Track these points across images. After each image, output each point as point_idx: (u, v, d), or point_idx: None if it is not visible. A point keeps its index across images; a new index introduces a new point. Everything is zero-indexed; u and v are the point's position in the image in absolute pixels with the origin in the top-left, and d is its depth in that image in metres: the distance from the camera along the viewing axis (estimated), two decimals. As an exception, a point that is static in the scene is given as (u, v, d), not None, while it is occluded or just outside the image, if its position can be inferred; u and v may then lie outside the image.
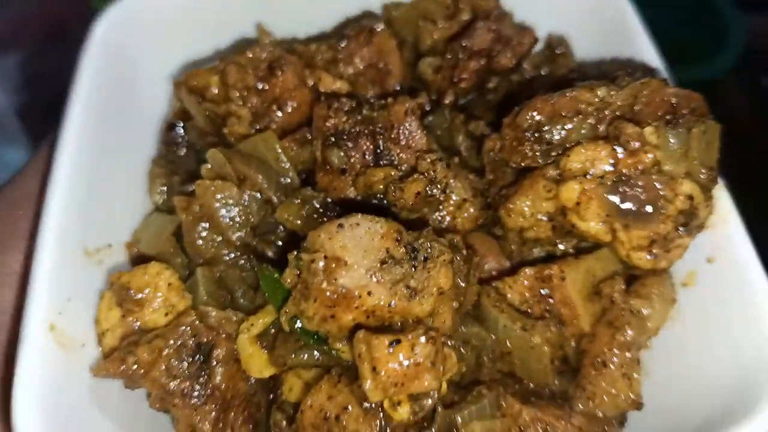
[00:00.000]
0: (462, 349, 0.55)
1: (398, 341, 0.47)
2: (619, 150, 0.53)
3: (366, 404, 0.50)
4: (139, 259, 0.60)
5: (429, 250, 0.51)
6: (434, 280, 0.50)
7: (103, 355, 0.54)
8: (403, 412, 0.49)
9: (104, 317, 0.55)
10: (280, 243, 0.59)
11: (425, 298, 0.50)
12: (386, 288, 0.49)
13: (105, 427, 0.52)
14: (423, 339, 0.47)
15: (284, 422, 0.58)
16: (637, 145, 0.53)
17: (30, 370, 0.49)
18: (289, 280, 0.51)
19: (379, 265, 0.49)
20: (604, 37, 0.69)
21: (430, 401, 0.49)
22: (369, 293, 0.48)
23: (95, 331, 0.55)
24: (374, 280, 0.49)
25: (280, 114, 0.62)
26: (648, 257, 0.55)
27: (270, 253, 0.59)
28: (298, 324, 0.51)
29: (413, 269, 0.50)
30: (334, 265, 0.48)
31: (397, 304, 0.49)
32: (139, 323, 0.54)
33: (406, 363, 0.47)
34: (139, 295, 0.55)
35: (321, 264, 0.49)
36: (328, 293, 0.48)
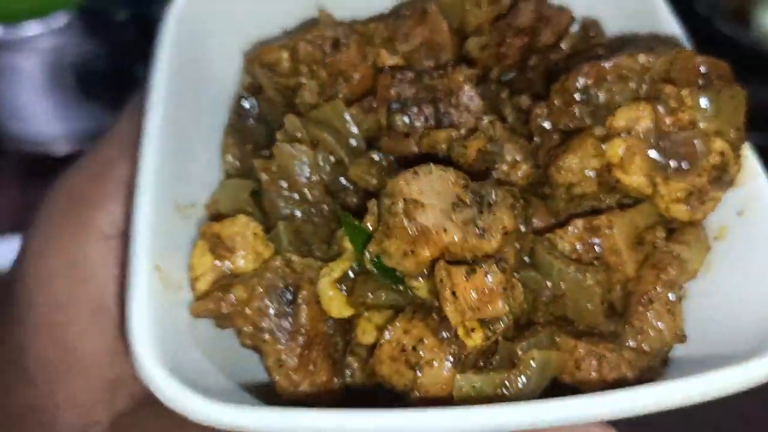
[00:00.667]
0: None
1: (473, 270, 0.54)
2: (660, 108, 0.60)
3: (440, 335, 0.56)
4: (219, 218, 0.66)
5: (493, 196, 0.57)
6: (499, 221, 0.56)
7: (197, 297, 0.60)
8: (477, 338, 0.55)
9: (198, 263, 0.60)
10: (353, 199, 0.65)
11: (493, 235, 0.56)
12: (459, 227, 0.55)
13: (204, 362, 0.57)
14: (495, 268, 0.54)
15: (356, 364, 0.64)
16: (674, 104, 0.60)
17: (143, 302, 0.54)
18: (370, 224, 0.57)
19: (451, 207, 0.56)
20: (631, 16, 0.75)
21: (501, 325, 0.55)
22: (444, 230, 0.55)
23: (188, 276, 0.61)
24: (448, 219, 0.55)
25: (345, 85, 0.69)
26: (686, 208, 0.62)
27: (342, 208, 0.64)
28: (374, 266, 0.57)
29: (480, 212, 0.56)
30: (412, 207, 0.55)
31: (468, 241, 0.55)
32: (230, 267, 0.60)
33: (481, 289, 0.53)
34: (229, 243, 0.61)
35: (400, 206, 0.55)
36: (408, 231, 0.54)
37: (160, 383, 0.51)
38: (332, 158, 0.65)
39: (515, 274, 0.57)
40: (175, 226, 0.62)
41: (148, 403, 0.59)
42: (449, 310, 0.53)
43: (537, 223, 0.66)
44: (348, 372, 0.64)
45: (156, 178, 0.60)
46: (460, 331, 0.55)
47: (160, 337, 0.53)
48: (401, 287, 0.58)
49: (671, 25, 0.72)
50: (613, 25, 0.76)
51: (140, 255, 0.56)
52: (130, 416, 0.61)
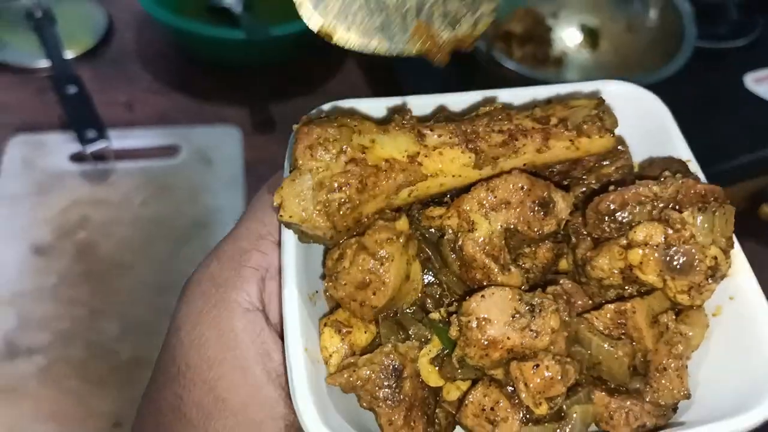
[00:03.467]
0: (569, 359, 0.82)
1: (537, 365, 0.75)
2: (668, 229, 0.80)
3: (513, 400, 0.78)
4: (335, 307, 0.87)
5: (541, 305, 0.78)
6: (548, 323, 0.77)
7: (330, 371, 0.81)
8: (543, 409, 0.75)
9: (329, 344, 0.81)
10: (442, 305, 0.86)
11: (543, 336, 0.76)
12: (518, 333, 0.75)
13: (338, 416, 0.78)
14: (553, 362, 0.75)
15: (441, 415, 0.85)
16: (679, 225, 0.80)
17: (300, 375, 0.75)
18: (454, 335, 0.78)
19: (511, 318, 0.76)
20: (649, 138, 0.96)
21: (560, 399, 0.76)
22: (508, 338, 0.75)
23: (322, 354, 0.82)
24: (510, 328, 0.75)
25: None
26: (688, 297, 0.82)
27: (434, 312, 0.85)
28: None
29: (533, 318, 0.77)
30: (483, 323, 0.75)
31: (526, 342, 0.75)
32: (352, 343, 0.81)
33: (544, 378, 0.74)
34: (346, 323, 0.82)
35: (474, 323, 0.75)
36: (482, 341, 0.75)
37: (314, 425, 0.73)
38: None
39: (567, 359, 0.78)
40: (309, 312, 0.83)
41: None
42: (524, 397, 0.74)
43: (578, 303, 0.88)
44: (436, 421, 0.85)
45: (295, 274, 0.82)
46: (530, 405, 0.75)
47: (315, 400, 0.74)
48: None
49: (684, 152, 0.93)
50: (636, 143, 0.97)
51: (296, 337, 0.77)
52: None
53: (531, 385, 0.74)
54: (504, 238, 0.82)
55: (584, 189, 0.95)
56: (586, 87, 0.97)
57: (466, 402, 0.80)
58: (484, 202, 0.82)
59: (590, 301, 0.88)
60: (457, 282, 0.85)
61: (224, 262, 0.90)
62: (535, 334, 0.75)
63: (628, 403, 0.82)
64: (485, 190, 0.82)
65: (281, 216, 0.78)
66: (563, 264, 0.91)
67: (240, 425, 0.80)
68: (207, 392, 0.82)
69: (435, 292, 0.86)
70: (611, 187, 0.87)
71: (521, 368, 0.74)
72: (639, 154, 0.99)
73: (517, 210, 0.81)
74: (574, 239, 0.89)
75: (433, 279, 0.87)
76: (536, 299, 0.77)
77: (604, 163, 0.97)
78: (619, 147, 0.97)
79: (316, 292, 0.86)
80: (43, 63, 1.78)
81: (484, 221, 0.82)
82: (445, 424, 0.86)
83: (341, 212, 0.80)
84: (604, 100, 0.88)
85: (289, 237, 0.83)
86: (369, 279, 0.79)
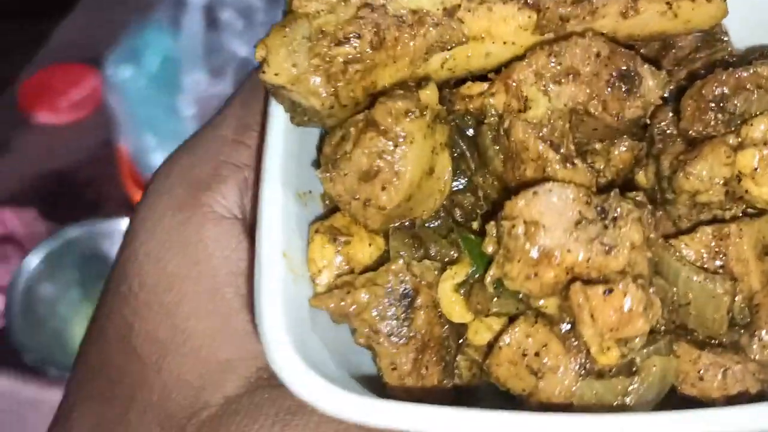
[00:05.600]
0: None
1: (611, 290, 0.53)
2: (799, 122, 0.58)
3: (568, 342, 0.56)
4: (333, 210, 0.66)
5: (618, 210, 0.56)
6: (627, 236, 0.55)
7: (318, 290, 0.60)
8: (612, 357, 0.54)
9: (318, 256, 0.61)
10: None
11: (620, 252, 0.55)
12: (583, 245, 0.54)
13: (322, 350, 0.58)
14: (633, 287, 0.53)
15: (466, 367, 0.64)
16: (815, 117, 0.58)
17: (273, 286, 0.55)
18: (490, 248, 0.56)
19: (574, 226, 0.54)
20: (755, 27, 0.73)
21: (638, 342, 0.54)
22: (568, 251, 0.54)
23: (309, 268, 0.61)
24: (571, 239, 0.54)
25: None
26: (816, 223, 0.60)
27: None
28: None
29: (605, 228, 0.55)
30: (533, 229, 0.54)
31: (594, 259, 0.54)
32: (351, 258, 0.60)
33: (621, 309, 0.52)
34: (345, 231, 0.61)
35: (521, 229, 0.54)
36: (530, 254, 0.53)
37: (288, 365, 0.52)
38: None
39: (652, 288, 0.56)
40: (297, 214, 0.62)
41: (261, 387, 0.60)
42: (589, 333, 0.52)
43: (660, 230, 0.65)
44: (456, 372, 0.64)
45: (282, 166, 0.61)
46: (593, 349, 0.54)
47: (287, 321, 0.54)
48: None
49: None
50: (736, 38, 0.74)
51: (271, 240, 0.57)
52: (242, 400, 0.61)
53: (600, 318, 0.52)
54: (569, 122, 0.60)
55: (672, 85, 0.72)
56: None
57: (500, 344, 0.58)
58: (544, 71, 0.59)
59: (674, 228, 0.66)
60: (499, 187, 0.63)
61: (199, 155, 0.70)
62: (608, 249, 0.53)
63: (727, 359, 0.59)
64: (546, 54, 0.60)
65: (263, 73, 0.57)
66: (641, 178, 0.69)
67: (202, 364, 0.61)
68: (163, 319, 0.63)
69: (467, 202, 0.65)
70: (718, 69, 0.64)
71: (587, 293, 0.52)
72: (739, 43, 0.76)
73: (590, 84, 0.59)
74: (660, 143, 0.66)
75: (465, 184, 0.65)
76: (611, 201, 0.55)
77: (699, 55, 0.73)
78: (718, 34, 0.74)
79: (310, 191, 0.65)
80: None
81: (542, 97, 0.59)
82: (468, 376, 0.65)
83: (347, 75, 0.59)
84: None
85: (276, 113, 0.62)
86: (378, 166, 0.57)
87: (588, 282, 0.53)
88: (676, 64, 0.73)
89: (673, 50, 0.73)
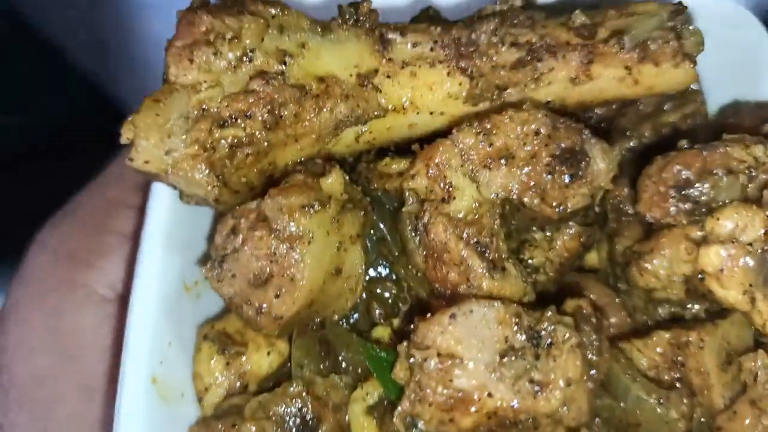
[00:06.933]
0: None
1: None
2: (772, 215, 0.49)
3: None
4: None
5: (553, 334, 0.46)
6: (561, 370, 0.46)
7: (204, 414, 0.51)
8: None
9: (205, 370, 0.52)
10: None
11: (552, 392, 0.45)
12: (508, 386, 0.45)
13: None
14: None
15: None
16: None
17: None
18: (401, 376, 0.47)
19: (498, 359, 0.45)
20: (731, 74, 0.63)
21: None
22: (489, 395, 0.45)
23: (195, 384, 0.52)
24: (494, 377, 0.45)
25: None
26: (791, 332, 0.51)
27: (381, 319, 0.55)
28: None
29: (536, 359, 0.45)
30: (449, 363, 0.45)
31: (520, 403, 0.45)
32: (246, 370, 0.51)
33: None
34: (239, 337, 0.52)
35: (433, 363, 0.45)
36: (443, 397, 0.44)
37: None
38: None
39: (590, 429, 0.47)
40: (181, 314, 0.53)
41: None
42: None
43: (612, 321, 0.56)
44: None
45: (162, 255, 0.52)
46: None
47: None
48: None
49: None
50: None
51: (135, 370, 0.48)
52: None
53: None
54: (501, 215, 0.50)
55: (634, 143, 0.63)
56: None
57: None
58: (472, 152, 0.50)
59: (629, 319, 0.57)
60: (422, 281, 0.54)
61: (80, 223, 0.61)
62: (538, 389, 0.44)
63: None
64: (475, 132, 0.50)
65: (130, 161, 0.47)
66: (592, 258, 0.60)
67: None
68: (35, 422, 0.56)
69: (389, 292, 0.56)
70: (681, 143, 0.55)
71: None
72: (715, 97, 0.66)
73: (527, 168, 0.49)
74: (614, 222, 0.57)
75: (386, 272, 0.56)
76: (545, 324, 0.45)
77: (665, 107, 0.64)
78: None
79: (205, 279, 0.55)
80: None
81: (468, 186, 0.50)
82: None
83: (236, 160, 0.49)
84: (684, 7, 0.54)
85: (160, 191, 0.53)
86: (270, 271, 0.48)
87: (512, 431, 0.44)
88: (638, 120, 0.64)
89: (636, 105, 0.64)
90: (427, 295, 0.54)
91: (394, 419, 0.46)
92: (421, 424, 0.45)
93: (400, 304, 0.55)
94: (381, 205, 0.56)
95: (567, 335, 0.45)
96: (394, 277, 0.55)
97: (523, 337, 0.45)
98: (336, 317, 0.53)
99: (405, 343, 0.47)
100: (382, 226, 0.55)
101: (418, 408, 0.45)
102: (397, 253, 0.55)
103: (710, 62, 0.58)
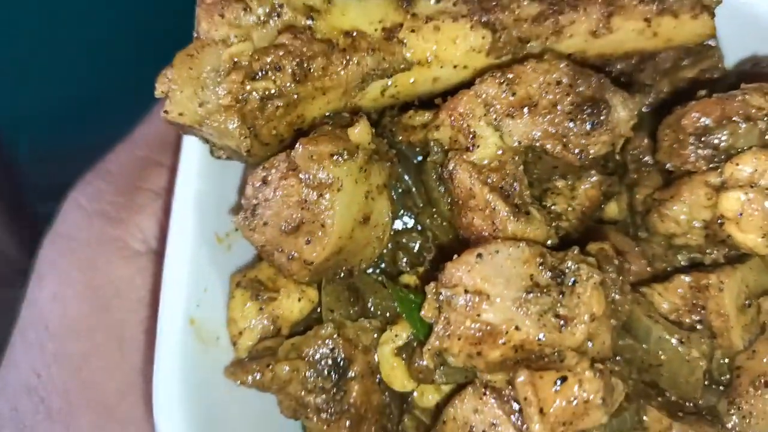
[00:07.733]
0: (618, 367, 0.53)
1: (565, 378, 0.45)
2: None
3: (516, 421, 0.49)
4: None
5: (576, 273, 0.48)
6: (585, 305, 0.47)
7: (239, 356, 0.53)
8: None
9: (240, 316, 0.54)
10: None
11: (577, 326, 0.47)
12: (534, 320, 0.46)
13: (242, 426, 0.51)
14: (590, 374, 0.45)
15: (412, 427, 0.57)
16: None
17: (172, 368, 0.49)
18: (429, 315, 0.48)
19: (524, 296, 0.46)
20: (748, 31, 0.64)
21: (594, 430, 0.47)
22: (516, 328, 0.46)
23: (229, 330, 0.54)
24: (520, 312, 0.46)
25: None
26: (811, 273, 0.52)
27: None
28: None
29: (561, 295, 0.47)
30: (476, 300, 0.46)
31: (546, 336, 0.46)
32: (278, 315, 0.53)
33: (575, 401, 0.45)
34: (271, 284, 0.54)
35: (462, 300, 0.46)
36: (472, 331, 0.46)
37: None
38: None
39: (615, 367, 0.48)
40: (214, 263, 0.55)
41: None
42: (536, 430, 0.45)
43: (632, 269, 0.58)
44: (402, 433, 0.57)
45: (196, 206, 0.54)
46: (547, 436, 0.47)
47: (188, 407, 0.48)
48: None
49: None
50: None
51: (174, 308, 0.50)
52: None
53: (551, 411, 0.45)
54: (523, 162, 0.52)
55: (652, 98, 0.64)
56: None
57: (445, 417, 0.51)
58: (495, 101, 0.51)
59: (649, 267, 0.59)
60: (447, 229, 0.56)
61: (113, 179, 0.63)
62: (563, 323, 0.46)
63: (700, 430, 0.53)
64: (498, 81, 0.51)
65: (165, 113, 0.49)
66: (612, 209, 0.61)
67: (102, 426, 0.56)
68: (72, 373, 0.58)
69: (414, 242, 0.57)
70: (699, 93, 0.56)
71: (535, 385, 0.45)
72: (732, 53, 0.67)
73: (549, 116, 0.51)
74: (634, 173, 0.58)
75: (412, 224, 0.58)
76: (569, 263, 0.47)
77: (683, 62, 0.65)
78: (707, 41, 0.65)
79: (236, 230, 0.57)
80: None
81: (492, 134, 0.51)
82: (415, 442, 0.58)
83: (267, 112, 0.50)
84: None
85: (191, 147, 0.55)
86: (301, 218, 0.49)
87: (539, 363, 0.46)
88: (656, 76, 0.65)
89: (654, 60, 0.64)
90: (452, 243, 0.55)
91: (423, 355, 0.48)
92: (450, 359, 0.47)
93: (425, 254, 0.57)
94: (405, 158, 0.58)
95: (590, 273, 0.47)
96: (419, 227, 0.57)
97: (548, 275, 0.47)
98: (363, 266, 0.55)
99: (432, 284, 0.48)
100: (407, 178, 0.57)
101: (446, 343, 0.47)
102: (422, 205, 0.57)
103: (724, 19, 0.59)
